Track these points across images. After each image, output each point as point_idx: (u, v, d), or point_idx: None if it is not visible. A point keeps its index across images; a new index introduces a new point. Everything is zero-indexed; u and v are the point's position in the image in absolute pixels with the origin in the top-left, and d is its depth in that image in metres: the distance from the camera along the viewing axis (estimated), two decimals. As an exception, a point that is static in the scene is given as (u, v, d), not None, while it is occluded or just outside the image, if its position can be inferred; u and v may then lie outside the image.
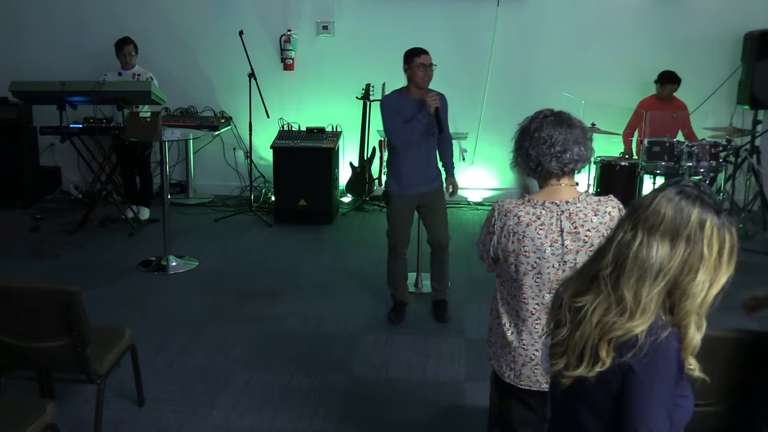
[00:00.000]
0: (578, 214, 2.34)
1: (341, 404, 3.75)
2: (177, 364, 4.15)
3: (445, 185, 4.75)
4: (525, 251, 2.35)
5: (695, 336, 1.54)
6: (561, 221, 2.33)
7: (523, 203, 2.39)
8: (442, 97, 4.58)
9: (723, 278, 1.52)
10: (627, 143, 6.93)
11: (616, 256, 1.55)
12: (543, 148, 2.32)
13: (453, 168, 4.80)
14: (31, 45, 7.69)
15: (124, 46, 6.83)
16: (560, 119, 2.35)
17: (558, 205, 2.35)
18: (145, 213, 6.96)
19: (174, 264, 5.65)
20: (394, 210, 4.69)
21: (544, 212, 2.35)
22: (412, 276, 5.37)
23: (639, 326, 1.51)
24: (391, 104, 4.55)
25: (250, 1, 7.58)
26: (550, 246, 2.33)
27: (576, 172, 2.41)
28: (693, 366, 1.57)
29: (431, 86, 4.58)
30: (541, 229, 2.34)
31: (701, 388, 1.66)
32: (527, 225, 2.35)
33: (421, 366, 4.18)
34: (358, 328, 4.67)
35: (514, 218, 2.37)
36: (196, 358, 4.22)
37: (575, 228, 2.33)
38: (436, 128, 4.46)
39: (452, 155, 4.80)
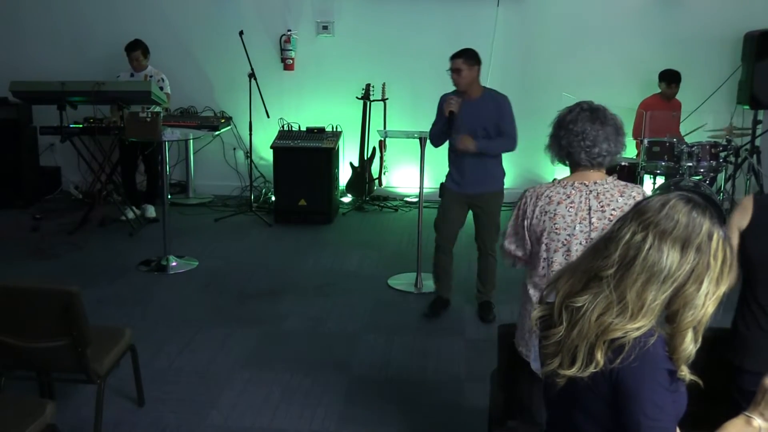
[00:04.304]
0: (605, 194, 2.48)
1: (341, 404, 3.75)
2: (177, 364, 4.15)
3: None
4: (556, 229, 2.50)
5: (689, 347, 1.55)
6: (589, 200, 2.48)
7: (553, 185, 2.55)
8: (497, 99, 4.63)
9: (722, 290, 1.55)
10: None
11: (623, 256, 1.54)
12: (574, 140, 2.47)
13: (485, 143, 4.54)
14: (32, 45, 7.69)
15: (131, 52, 6.85)
16: (596, 115, 2.49)
17: (587, 185, 2.50)
18: (151, 211, 6.97)
19: (174, 264, 5.65)
20: (442, 202, 4.81)
21: (573, 191, 2.50)
22: (412, 276, 5.38)
23: (638, 329, 1.51)
24: (440, 104, 4.70)
25: (250, 1, 7.58)
26: (579, 224, 2.48)
27: (605, 165, 2.55)
28: (684, 372, 1.57)
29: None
30: (571, 207, 2.49)
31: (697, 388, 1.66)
32: (558, 203, 2.50)
33: (421, 366, 4.18)
34: (358, 328, 4.67)
35: (546, 198, 2.52)
36: (196, 358, 4.22)
37: (602, 207, 2.47)
38: (459, 130, 4.57)
39: (497, 142, 4.56)
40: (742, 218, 2.52)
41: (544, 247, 2.53)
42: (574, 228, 2.47)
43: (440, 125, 4.66)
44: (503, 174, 4.77)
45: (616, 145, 2.49)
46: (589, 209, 2.47)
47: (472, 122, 4.56)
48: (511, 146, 4.65)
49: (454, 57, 4.57)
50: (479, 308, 4.84)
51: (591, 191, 2.48)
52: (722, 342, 2.57)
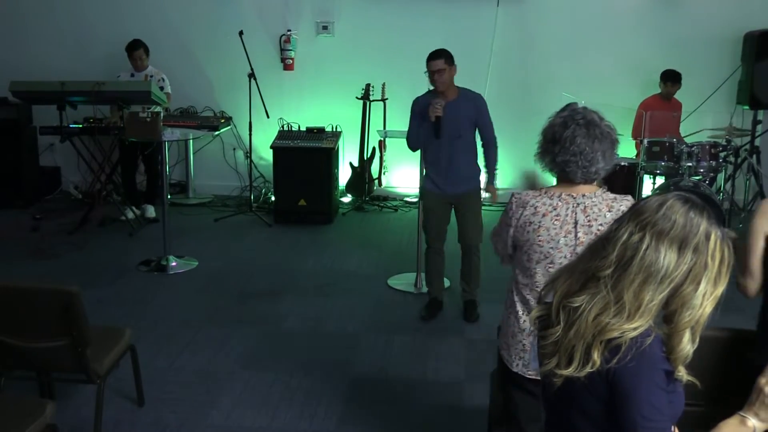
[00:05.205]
0: (593, 208, 2.40)
1: (341, 404, 3.76)
2: (177, 364, 4.15)
3: (484, 189, 4.79)
4: (539, 241, 2.42)
5: (687, 347, 1.55)
6: (576, 213, 2.40)
7: (540, 195, 2.45)
8: (473, 99, 4.66)
9: (720, 290, 1.54)
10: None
11: (620, 256, 1.54)
12: (571, 159, 2.35)
13: (493, 172, 4.73)
14: (32, 45, 7.69)
15: (133, 52, 6.85)
16: (592, 131, 2.34)
17: (574, 198, 2.41)
18: (151, 211, 6.98)
19: (174, 264, 5.66)
20: (425, 205, 4.84)
21: (560, 203, 2.41)
22: (412, 276, 5.38)
23: (635, 329, 1.52)
24: (415, 108, 4.72)
25: (250, 1, 7.58)
26: (564, 237, 2.40)
27: (598, 180, 2.47)
28: (682, 373, 1.58)
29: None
30: (556, 219, 2.40)
31: (697, 388, 1.66)
32: (543, 215, 2.41)
33: (421, 366, 4.18)
34: (358, 328, 4.67)
35: (531, 209, 2.43)
36: (196, 358, 4.22)
37: (589, 221, 2.39)
38: (445, 133, 4.56)
39: (494, 160, 4.73)
40: (767, 222, 2.47)
41: (526, 257, 2.46)
42: (558, 241, 2.39)
43: (420, 129, 4.63)
44: (479, 171, 4.79)
45: (611, 160, 2.40)
46: (576, 223, 2.39)
47: (452, 124, 4.57)
48: (497, 150, 4.75)
49: (434, 58, 4.54)
50: (464, 307, 4.85)
51: (578, 204, 2.40)
52: (746, 343, 2.57)
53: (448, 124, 4.56)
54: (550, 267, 2.42)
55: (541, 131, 2.45)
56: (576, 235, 2.39)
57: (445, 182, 4.66)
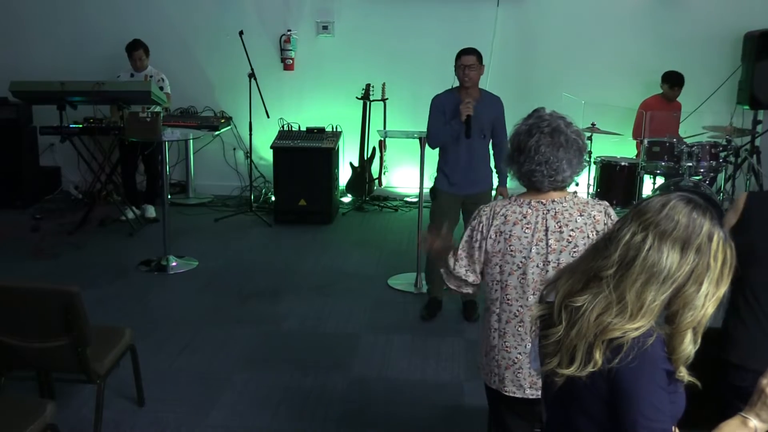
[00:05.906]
0: (563, 213, 2.34)
1: (341, 404, 3.75)
2: (177, 364, 4.15)
3: (495, 192, 4.78)
4: (511, 251, 2.35)
5: (688, 347, 1.56)
6: (546, 220, 2.34)
7: (509, 203, 2.40)
8: (495, 101, 4.66)
9: (722, 291, 1.55)
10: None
11: (623, 256, 1.54)
12: (537, 169, 2.30)
13: (505, 176, 4.68)
14: (31, 45, 7.69)
15: (133, 52, 6.85)
16: (557, 139, 2.28)
17: (544, 204, 2.35)
18: (151, 211, 6.98)
19: (174, 264, 5.65)
20: (437, 205, 4.75)
21: (530, 211, 2.35)
22: (412, 276, 5.38)
23: (637, 329, 1.52)
24: (436, 104, 4.65)
25: (250, 1, 7.58)
26: (536, 245, 2.33)
27: (566, 187, 2.41)
28: (683, 373, 1.58)
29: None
30: (527, 228, 2.34)
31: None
32: (514, 224, 2.35)
33: (421, 366, 4.18)
34: (358, 328, 4.67)
35: (501, 218, 2.37)
36: (196, 358, 4.22)
37: (560, 227, 2.33)
38: (473, 132, 4.52)
39: (503, 162, 4.71)
40: (734, 216, 2.51)
41: (498, 269, 2.38)
42: (530, 250, 2.33)
43: (447, 127, 4.56)
44: (492, 173, 4.79)
45: (579, 167, 2.34)
46: (546, 230, 2.32)
47: (478, 124, 4.54)
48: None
49: (468, 54, 4.50)
50: (463, 307, 4.84)
51: (548, 210, 2.33)
52: (705, 337, 2.56)
53: (474, 124, 4.53)
54: (522, 278, 2.36)
55: (508, 138, 2.40)
56: (547, 243, 2.32)
57: (462, 182, 4.63)
